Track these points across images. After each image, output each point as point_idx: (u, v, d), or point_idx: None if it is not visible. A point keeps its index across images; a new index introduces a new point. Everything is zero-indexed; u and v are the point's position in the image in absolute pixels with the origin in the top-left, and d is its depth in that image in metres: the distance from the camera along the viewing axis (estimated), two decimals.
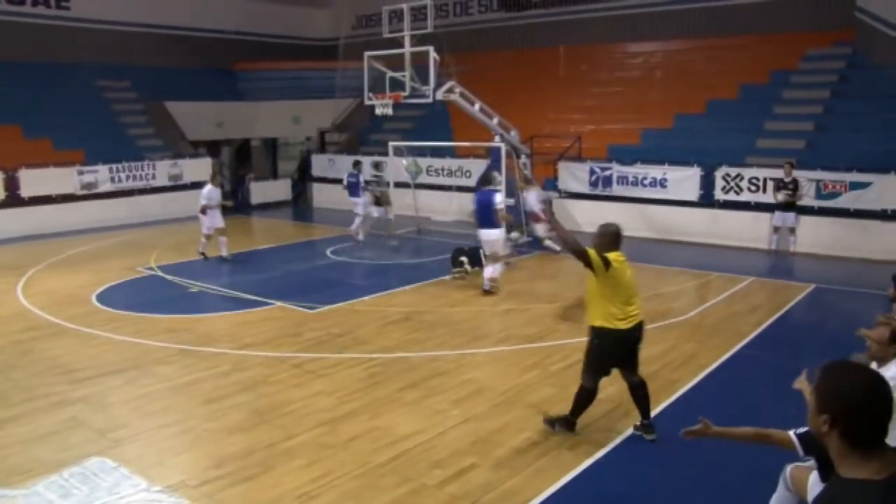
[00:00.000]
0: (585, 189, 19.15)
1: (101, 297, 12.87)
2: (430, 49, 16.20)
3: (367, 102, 17.76)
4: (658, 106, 20.87)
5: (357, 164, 18.93)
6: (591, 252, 6.49)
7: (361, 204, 17.98)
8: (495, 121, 17.88)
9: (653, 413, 7.20)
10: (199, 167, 23.49)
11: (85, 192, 21.20)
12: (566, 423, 7.05)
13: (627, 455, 6.72)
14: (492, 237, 12.93)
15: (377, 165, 20.73)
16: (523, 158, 18.73)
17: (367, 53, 17.31)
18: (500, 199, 12.80)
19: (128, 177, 22.00)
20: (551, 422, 7.09)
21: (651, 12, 24.05)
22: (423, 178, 21.66)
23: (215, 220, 15.64)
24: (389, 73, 16.98)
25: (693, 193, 17.66)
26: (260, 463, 6.59)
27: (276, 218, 22.59)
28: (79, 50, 24.90)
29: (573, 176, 19.47)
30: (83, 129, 22.64)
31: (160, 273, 14.81)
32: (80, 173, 21.17)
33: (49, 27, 24.96)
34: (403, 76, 16.64)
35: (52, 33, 24.88)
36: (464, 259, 13.89)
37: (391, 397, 8.09)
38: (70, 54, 24.67)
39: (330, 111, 28.65)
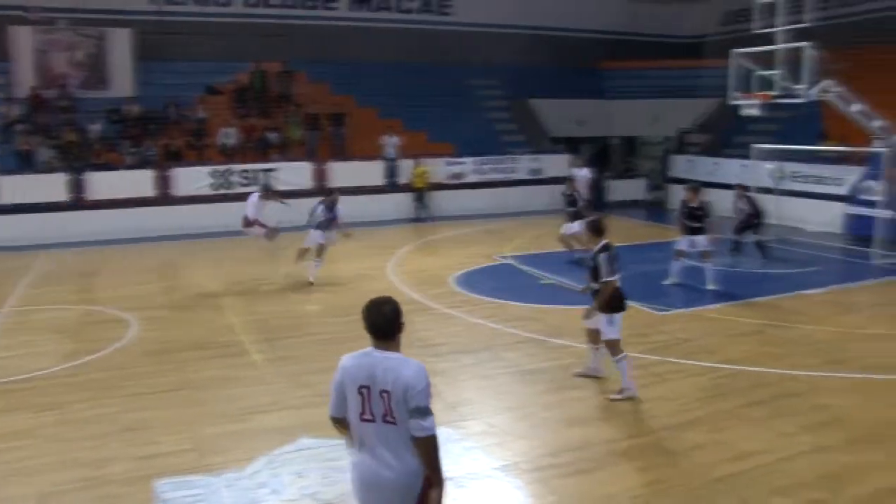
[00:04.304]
0: None
1: (459, 281, 13.91)
2: (807, 45, 15.10)
3: (732, 102, 17.04)
4: None
5: None
6: None
7: None
8: (877, 124, 16.21)
9: None
10: (558, 163, 24.30)
11: (452, 181, 23.02)
12: None
13: None
14: None
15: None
16: None
17: (734, 51, 16.61)
18: None
19: (491, 169, 23.41)
20: None
21: None
22: (787, 185, 20.26)
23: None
24: (758, 72, 16.13)
25: None
26: (595, 458, 6.70)
27: (631, 217, 22.52)
28: (454, 51, 27.11)
29: None
30: (454, 124, 24.59)
31: (514, 263, 15.58)
32: (449, 164, 23.03)
33: (430, 31, 27.68)
34: (773, 74, 15.72)
35: (432, 36, 27.48)
36: None
37: (735, 412, 7.74)
38: (446, 55, 26.97)
39: (691, 111, 27.92)
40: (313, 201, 13.99)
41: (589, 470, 6.49)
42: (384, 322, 4.00)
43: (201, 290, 13.62)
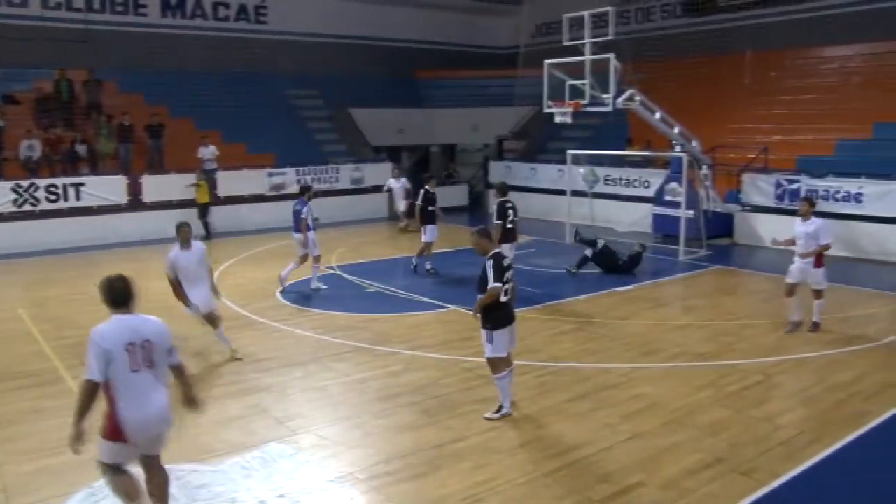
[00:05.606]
0: (771, 202, 18.18)
1: (285, 293, 13.64)
2: (611, 57, 16.00)
3: (546, 110, 17.78)
4: (855, 114, 19.46)
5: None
6: None
7: None
8: (676, 130, 17.44)
9: (843, 444, 6.86)
10: (379, 171, 24.48)
11: (273, 192, 22.64)
12: None
13: (809, 488, 6.36)
14: None
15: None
16: (704, 169, 18.18)
17: (546, 61, 17.33)
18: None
19: (313, 179, 23.20)
20: None
21: (849, 13, 22.41)
22: (600, 188, 21.52)
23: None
24: (569, 81, 16.90)
25: (894, 209, 16.27)
26: (428, 462, 6.76)
27: (453, 223, 22.96)
28: (272, 60, 26.70)
29: (757, 189, 18.54)
30: (274, 134, 24.22)
31: (340, 272, 15.49)
32: (270, 175, 22.67)
33: (247, 40, 27.06)
34: (583, 84, 16.53)
35: (250, 45, 26.91)
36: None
37: (560, 407, 8.07)
38: (264, 64, 26.52)
39: (509, 119, 28.94)
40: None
41: (423, 474, 6.54)
42: (120, 293, 5.09)
43: (4, 315, 12.57)
